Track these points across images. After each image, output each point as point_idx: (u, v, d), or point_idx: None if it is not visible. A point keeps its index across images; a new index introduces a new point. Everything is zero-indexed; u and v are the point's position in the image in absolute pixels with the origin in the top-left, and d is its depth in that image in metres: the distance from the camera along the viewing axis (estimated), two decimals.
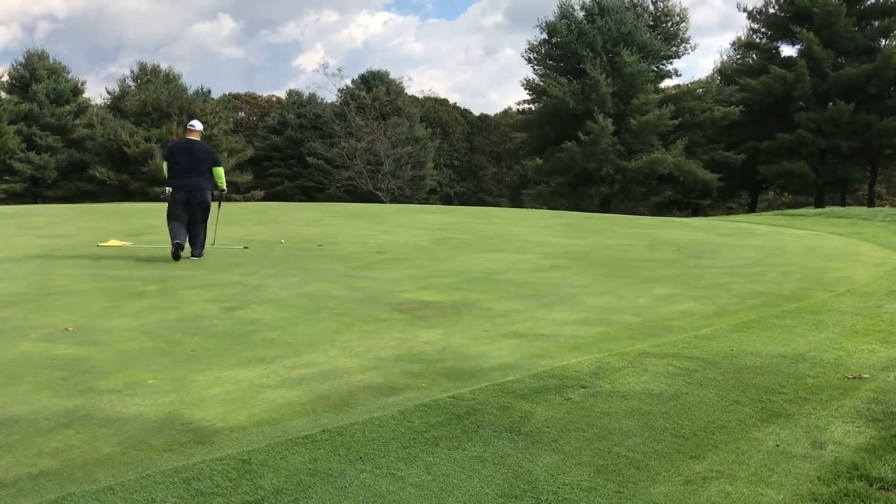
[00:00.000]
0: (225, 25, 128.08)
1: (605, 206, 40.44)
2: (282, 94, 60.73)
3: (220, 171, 10.40)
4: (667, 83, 44.71)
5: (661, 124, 39.80)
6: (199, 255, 10.14)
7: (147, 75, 49.06)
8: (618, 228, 16.20)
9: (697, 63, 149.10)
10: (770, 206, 46.57)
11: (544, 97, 42.42)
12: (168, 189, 10.19)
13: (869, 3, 40.92)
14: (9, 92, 44.84)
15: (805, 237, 14.53)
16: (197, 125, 10.65)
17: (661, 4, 43.61)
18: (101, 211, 20.82)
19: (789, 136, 39.72)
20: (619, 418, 3.83)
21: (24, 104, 43.77)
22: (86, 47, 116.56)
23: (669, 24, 43.49)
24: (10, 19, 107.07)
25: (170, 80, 48.62)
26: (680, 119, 40.79)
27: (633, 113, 40.09)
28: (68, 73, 47.83)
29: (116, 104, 47.07)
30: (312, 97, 54.39)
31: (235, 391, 4.29)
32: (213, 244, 11.21)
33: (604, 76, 39.32)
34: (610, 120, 39.01)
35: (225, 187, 10.76)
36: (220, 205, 11.50)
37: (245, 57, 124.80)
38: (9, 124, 41.79)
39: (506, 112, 62.14)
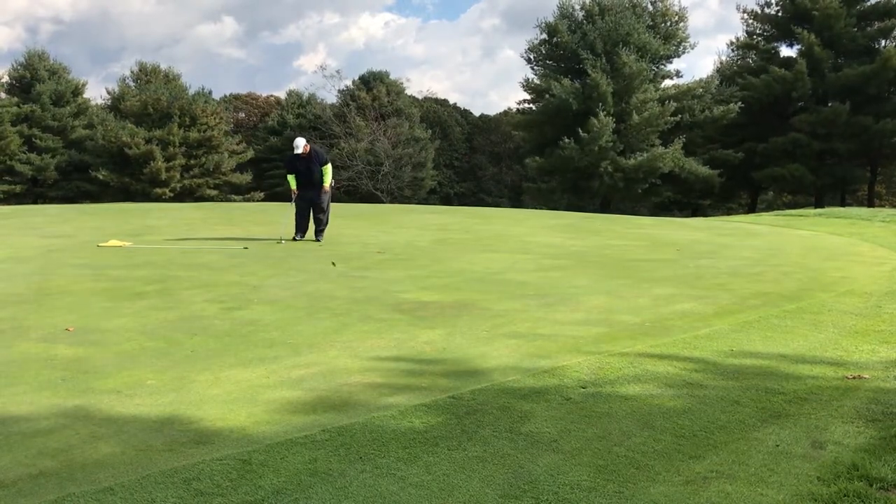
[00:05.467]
0: (228, 27, 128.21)
1: (605, 206, 40.42)
2: (281, 95, 60.66)
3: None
4: (667, 83, 44.72)
5: (662, 121, 39.80)
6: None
7: (147, 75, 48.98)
8: (618, 228, 16.19)
9: (696, 65, 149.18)
10: (770, 207, 46.44)
11: (546, 96, 42.42)
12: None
13: (868, 3, 40.90)
14: (9, 93, 44.74)
15: (805, 237, 14.52)
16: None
17: (660, 4, 43.58)
18: (101, 211, 20.81)
19: (785, 137, 39.72)
20: (619, 418, 3.84)
21: (25, 105, 43.71)
22: (88, 49, 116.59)
23: (669, 24, 43.47)
24: (15, 20, 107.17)
25: (169, 80, 48.54)
26: (680, 117, 40.77)
27: (632, 111, 40.10)
28: (69, 73, 47.74)
29: (116, 104, 46.98)
30: (312, 98, 54.34)
31: (235, 391, 4.29)
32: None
33: (604, 77, 39.35)
34: (610, 118, 39.03)
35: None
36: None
37: (246, 58, 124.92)
38: (10, 125, 41.75)
39: (506, 112, 62.12)
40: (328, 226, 12.77)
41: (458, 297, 7.24)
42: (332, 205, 13.20)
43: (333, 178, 12.88)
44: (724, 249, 11.98)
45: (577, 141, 39.11)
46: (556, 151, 40.50)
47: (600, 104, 39.32)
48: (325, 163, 12.44)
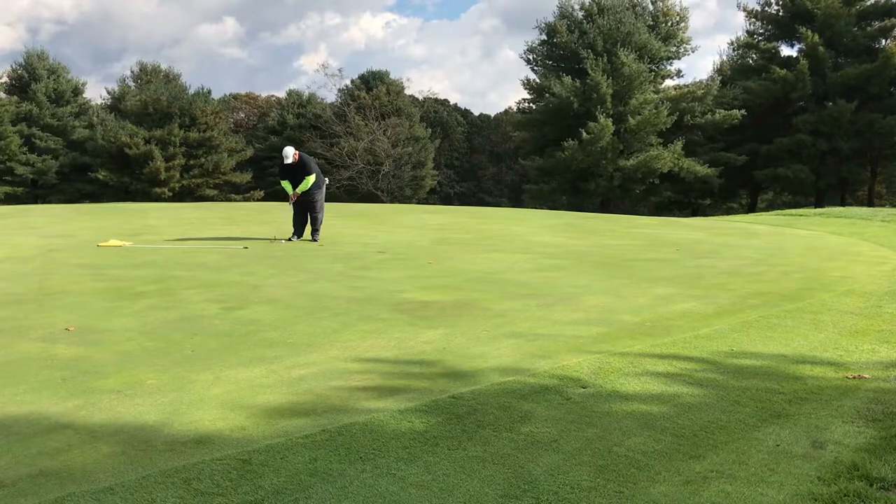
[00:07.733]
0: (229, 27, 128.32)
1: (604, 206, 40.40)
2: (281, 95, 60.69)
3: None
4: (668, 83, 44.70)
5: (660, 122, 39.77)
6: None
7: (147, 75, 48.95)
8: (618, 228, 16.19)
9: (696, 65, 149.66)
10: (770, 206, 46.42)
11: (546, 96, 42.39)
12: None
13: (869, 3, 40.91)
14: (8, 92, 44.69)
15: (805, 237, 14.52)
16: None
17: (661, 4, 43.55)
18: (101, 211, 20.79)
19: (788, 139, 39.73)
20: (619, 418, 3.83)
21: (24, 105, 43.66)
22: (90, 49, 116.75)
23: (669, 25, 43.43)
24: (18, 21, 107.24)
25: (169, 80, 48.49)
26: (678, 116, 40.73)
27: (632, 112, 40.10)
28: (68, 73, 47.70)
29: (116, 104, 46.95)
30: (312, 97, 54.30)
31: (235, 391, 4.29)
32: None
33: (604, 77, 39.32)
34: (610, 119, 39.03)
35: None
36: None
37: (247, 58, 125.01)
38: (10, 125, 41.71)
39: (506, 112, 62.17)
40: (322, 224, 12.92)
41: (458, 297, 7.24)
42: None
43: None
44: (724, 249, 11.98)
45: (580, 142, 39.09)
46: (557, 152, 40.48)
47: (600, 105, 39.32)
48: (309, 173, 12.57)
